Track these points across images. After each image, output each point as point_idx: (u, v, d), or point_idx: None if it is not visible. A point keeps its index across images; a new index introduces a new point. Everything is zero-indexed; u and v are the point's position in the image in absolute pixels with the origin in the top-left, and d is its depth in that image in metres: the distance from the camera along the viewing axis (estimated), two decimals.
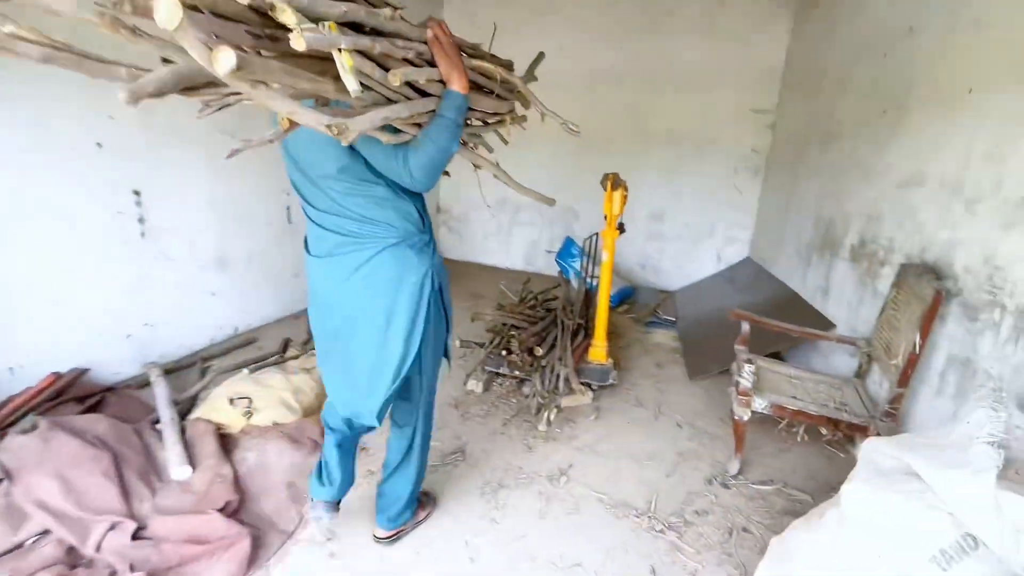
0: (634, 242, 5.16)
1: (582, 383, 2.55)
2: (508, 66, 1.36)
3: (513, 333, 2.60)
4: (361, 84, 0.91)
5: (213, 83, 0.87)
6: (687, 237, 5.16)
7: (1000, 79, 1.71)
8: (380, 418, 1.38)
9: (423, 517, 1.76)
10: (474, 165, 1.41)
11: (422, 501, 1.78)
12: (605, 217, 2.64)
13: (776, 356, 3.00)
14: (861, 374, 2.28)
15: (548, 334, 2.68)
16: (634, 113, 5.02)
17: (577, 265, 4.84)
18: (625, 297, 4.60)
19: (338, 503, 1.62)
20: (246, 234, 3.19)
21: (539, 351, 2.41)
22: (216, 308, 3.05)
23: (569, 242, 4.99)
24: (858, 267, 2.59)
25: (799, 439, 2.30)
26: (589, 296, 3.16)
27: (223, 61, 0.68)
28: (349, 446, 1.61)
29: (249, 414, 2.10)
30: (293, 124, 1.01)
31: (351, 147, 1.16)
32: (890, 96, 2.49)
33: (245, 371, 2.40)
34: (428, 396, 1.54)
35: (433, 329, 1.38)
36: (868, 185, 2.59)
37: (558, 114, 1.40)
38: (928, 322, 1.76)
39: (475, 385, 2.66)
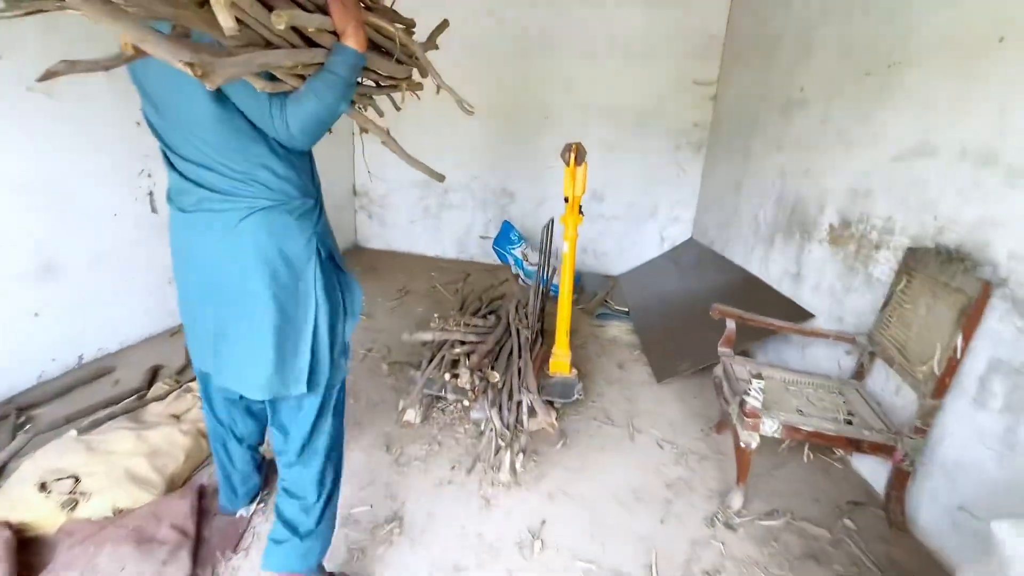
0: None
1: (545, 402, 2.08)
2: (409, 25, 1.23)
3: (458, 350, 2.06)
4: (237, 20, 0.81)
5: None
6: (629, 218, 4.85)
7: None
8: (271, 391, 1.12)
9: None
10: (360, 128, 1.16)
11: None
12: (566, 199, 2.15)
13: (743, 352, 2.71)
14: (860, 375, 2.00)
15: (501, 348, 2.17)
16: (571, 83, 4.59)
17: (517, 252, 4.36)
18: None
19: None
20: (86, 231, 2.36)
21: (494, 376, 1.90)
22: (44, 332, 2.22)
23: (507, 227, 4.49)
24: (841, 250, 2.31)
25: (805, 459, 1.99)
26: (544, 294, 2.69)
27: None
28: (245, 445, 1.45)
29: (73, 503, 1.42)
30: (139, 52, 0.81)
31: (220, 91, 0.96)
32: (873, 56, 2.20)
33: (73, 433, 1.68)
34: (319, 417, 1.20)
35: (327, 314, 1.14)
36: (849, 158, 2.31)
37: (455, 90, 1.24)
38: (974, 321, 1.45)
39: (412, 415, 2.11)
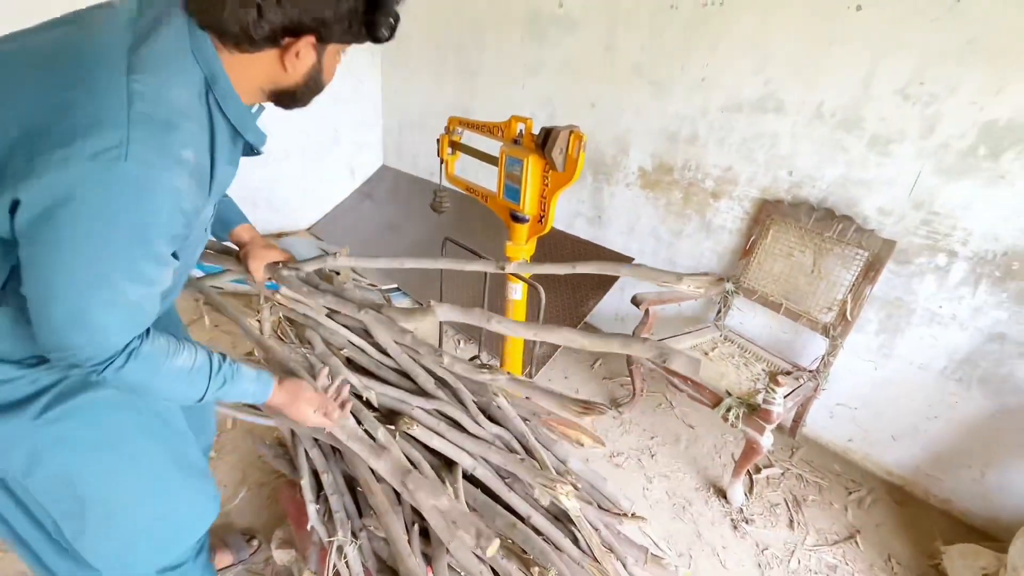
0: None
1: None
2: None
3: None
4: None
5: None
6: (307, 152, 3.66)
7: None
8: None
9: None
10: None
11: None
12: (519, 218, 1.27)
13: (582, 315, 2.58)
14: (721, 315, 2.21)
15: None
16: None
17: None
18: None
19: None
20: None
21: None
22: None
23: None
24: (663, 196, 2.36)
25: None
26: None
27: None
28: None
29: None
30: None
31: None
32: None
33: None
34: None
35: None
36: (660, 98, 2.25)
37: None
38: (878, 273, 1.74)
39: None
